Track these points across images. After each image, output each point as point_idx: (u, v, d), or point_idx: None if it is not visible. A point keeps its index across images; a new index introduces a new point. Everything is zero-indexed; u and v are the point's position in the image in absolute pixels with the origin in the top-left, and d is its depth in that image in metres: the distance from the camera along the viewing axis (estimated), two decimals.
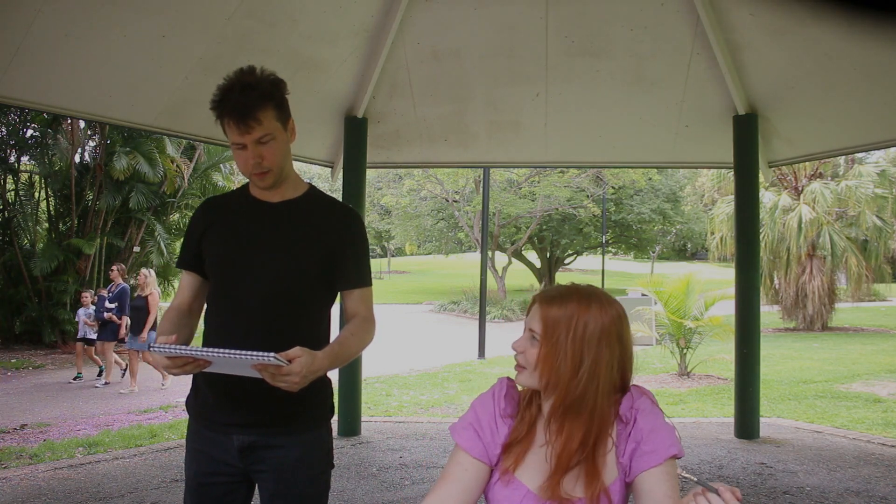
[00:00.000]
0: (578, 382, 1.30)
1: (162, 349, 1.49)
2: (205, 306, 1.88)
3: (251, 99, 1.68)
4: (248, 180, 1.90)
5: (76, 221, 10.83)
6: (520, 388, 1.44)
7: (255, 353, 1.43)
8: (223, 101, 1.69)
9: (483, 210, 13.53)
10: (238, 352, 1.44)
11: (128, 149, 10.48)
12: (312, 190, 1.88)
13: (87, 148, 11.57)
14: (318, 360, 1.58)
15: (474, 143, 6.05)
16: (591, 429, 1.32)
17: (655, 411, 1.35)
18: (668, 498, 1.28)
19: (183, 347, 1.50)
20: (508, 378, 1.46)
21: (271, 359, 1.44)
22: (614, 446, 1.33)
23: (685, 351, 8.63)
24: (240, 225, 1.81)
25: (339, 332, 1.77)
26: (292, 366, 1.50)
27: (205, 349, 1.48)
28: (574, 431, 1.31)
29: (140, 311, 8.12)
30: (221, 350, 1.45)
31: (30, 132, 11.31)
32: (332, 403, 1.88)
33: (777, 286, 15.12)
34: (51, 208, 11.26)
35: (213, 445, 1.77)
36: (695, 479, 1.19)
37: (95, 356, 8.78)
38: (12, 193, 11.22)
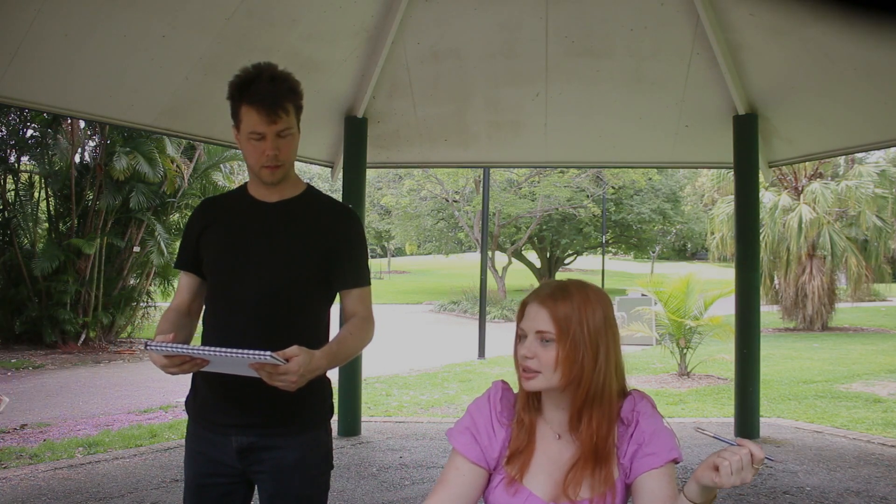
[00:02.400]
0: (600, 371, 1.32)
1: (159, 348, 1.49)
2: (203, 307, 1.88)
3: (281, 90, 1.68)
4: (245, 181, 1.91)
5: (76, 221, 10.82)
6: (515, 390, 1.44)
7: (252, 351, 1.43)
8: (249, 88, 1.67)
9: (483, 210, 13.53)
10: (235, 350, 1.44)
11: (128, 149, 10.45)
12: (310, 189, 1.88)
13: (87, 148, 11.56)
14: (315, 360, 1.58)
15: (474, 143, 6.05)
16: (610, 415, 1.35)
17: (656, 415, 1.37)
18: (670, 499, 1.29)
19: (180, 346, 1.50)
20: (503, 381, 1.45)
21: (268, 357, 1.44)
22: (615, 447, 1.34)
23: (685, 351, 8.62)
24: (238, 225, 1.81)
25: (338, 332, 1.77)
26: (289, 365, 1.50)
27: (202, 348, 1.48)
28: (601, 420, 1.33)
29: None
30: (218, 349, 1.45)
31: (30, 132, 11.29)
32: (332, 404, 1.88)
33: (777, 286, 15.11)
34: (51, 208, 11.25)
35: (211, 446, 1.77)
36: (711, 433, 1.25)
37: None
38: (12, 193, 11.20)
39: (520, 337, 1.37)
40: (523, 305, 1.38)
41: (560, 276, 32.68)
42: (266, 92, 1.67)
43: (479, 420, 1.40)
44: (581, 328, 1.32)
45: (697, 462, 4.62)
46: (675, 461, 1.32)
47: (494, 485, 1.37)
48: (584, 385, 1.32)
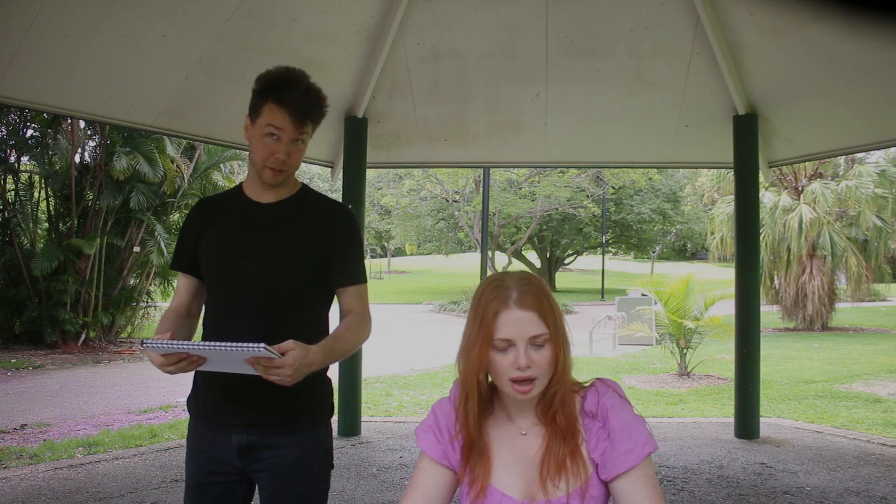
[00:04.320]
0: (569, 357, 1.31)
1: (155, 345, 1.49)
2: (203, 308, 1.88)
3: (315, 103, 1.73)
4: (242, 182, 1.91)
5: (76, 221, 10.81)
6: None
7: (246, 344, 1.44)
8: (284, 89, 1.70)
9: (483, 210, 13.54)
10: (229, 344, 1.45)
11: (128, 149, 10.45)
12: (305, 189, 1.89)
13: (87, 148, 11.56)
14: (311, 354, 1.58)
15: (474, 143, 6.05)
16: (571, 396, 1.32)
17: (624, 405, 1.32)
18: (654, 499, 1.26)
19: (175, 342, 1.50)
20: None
21: (262, 350, 1.44)
22: (584, 441, 1.30)
23: (685, 351, 8.62)
24: (234, 225, 1.81)
25: (335, 328, 1.77)
26: (285, 358, 1.51)
27: (196, 343, 1.49)
28: (569, 404, 1.31)
29: None
30: (213, 343, 1.46)
31: (30, 132, 11.29)
32: (332, 403, 1.89)
33: (777, 286, 15.11)
34: (51, 208, 11.24)
35: (212, 445, 1.78)
36: None
37: None
38: (12, 193, 11.20)
39: (500, 349, 1.27)
40: (494, 315, 1.27)
41: (560, 276, 32.67)
42: (300, 98, 1.70)
43: (442, 419, 1.38)
44: (559, 319, 1.29)
45: (697, 461, 4.59)
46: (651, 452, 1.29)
47: (466, 491, 1.34)
48: (558, 373, 1.29)
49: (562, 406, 1.30)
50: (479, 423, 1.33)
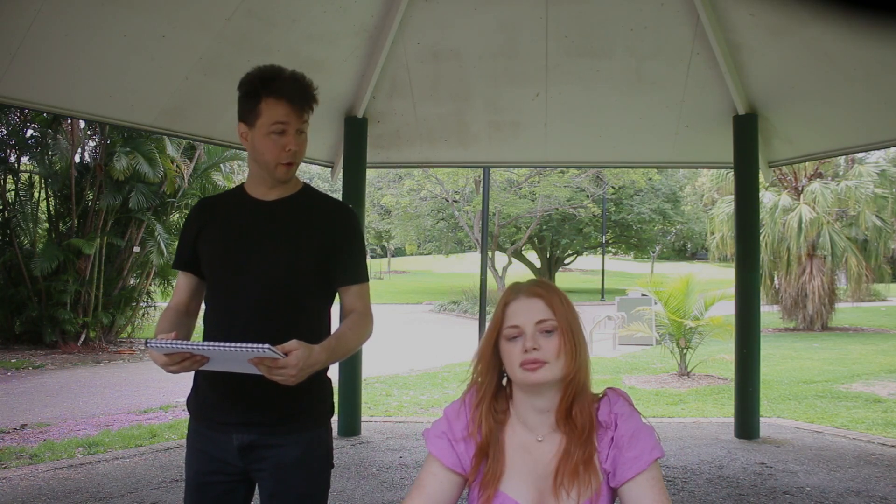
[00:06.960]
0: (585, 361, 1.34)
1: (159, 345, 1.50)
2: (203, 306, 1.88)
3: (308, 87, 1.73)
4: (243, 182, 1.91)
5: (76, 221, 10.81)
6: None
7: (250, 345, 1.44)
8: (275, 82, 1.70)
9: (483, 210, 13.51)
10: (234, 344, 1.45)
11: (128, 149, 10.45)
12: (307, 188, 1.89)
13: (87, 148, 11.57)
14: (314, 354, 1.59)
15: (474, 143, 6.05)
16: (590, 405, 1.34)
17: (634, 414, 1.35)
18: (660, 502, 1.28)
19: (179, 342, 1.51)
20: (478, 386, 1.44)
21: (266, 350, 1.44)
22: (597, 451, 1.33)
23: (685, 351, 8.62)
24: (235, 223, 1.82)
25: (338, 327, 1.77)
26: (288, 359, 1.51)
27: (201, 343, 1.49)
28: (587, 412, 1.33)
29: None
30: (217, 343, 1.46)
31: (30, 132, 11.28)
32: (333, 403, 1.89)
33: (777, 286, 15.10)
34: (51, 208, 11.24)
35: (213, 445, 1.78)
36: None
37: None
38: (12, 193, 11.20)
39: (511, 338, 1.33)
40: (504, 306, 1.35)
41: (560, 276, 32.68)
42: (297, 87, 1.70)
43: (456, 424, 1.38)
44: (572, 316, 1.34)
45: (697, 461, 4.58)
46: (658, 459, 1.32)
47: (475, 496, 1.35)
48: (578, 375, 1.32)
49: (581, 408, 1.32)
50: (496, 426, 1.36)
